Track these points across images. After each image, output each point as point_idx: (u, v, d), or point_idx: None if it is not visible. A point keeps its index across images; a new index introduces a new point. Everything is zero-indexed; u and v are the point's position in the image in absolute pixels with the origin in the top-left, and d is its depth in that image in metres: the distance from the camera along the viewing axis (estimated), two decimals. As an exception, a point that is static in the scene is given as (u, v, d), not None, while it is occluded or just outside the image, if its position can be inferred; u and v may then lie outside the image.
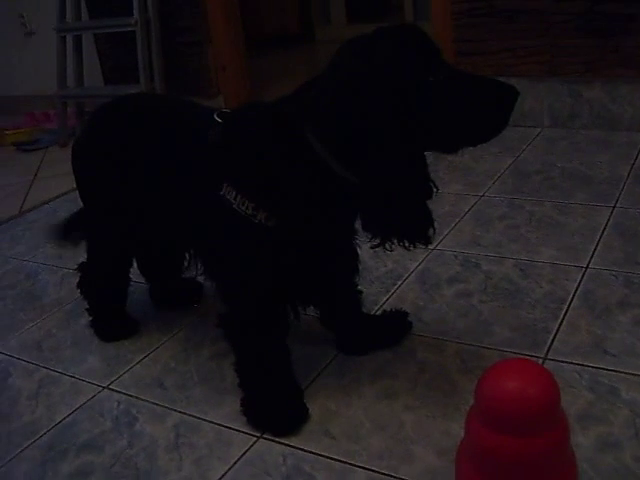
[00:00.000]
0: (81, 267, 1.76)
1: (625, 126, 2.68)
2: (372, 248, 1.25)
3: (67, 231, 1.81)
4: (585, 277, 1.74)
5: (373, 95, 1.14)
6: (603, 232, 1.95)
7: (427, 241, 1.25)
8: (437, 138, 1.21)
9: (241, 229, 1.27)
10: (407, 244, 1.24)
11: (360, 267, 1.51)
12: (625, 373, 1.40)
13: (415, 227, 1.23)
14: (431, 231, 1.24)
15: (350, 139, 1.17)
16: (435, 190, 1.25)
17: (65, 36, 3.58)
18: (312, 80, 1.24)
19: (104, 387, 1.58)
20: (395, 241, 1.24)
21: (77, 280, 1.78)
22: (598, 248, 1.87)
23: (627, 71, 2.60)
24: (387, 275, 1.87)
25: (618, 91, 2.65)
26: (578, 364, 1.44)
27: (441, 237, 2.03)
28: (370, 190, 1.19)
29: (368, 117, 1.14)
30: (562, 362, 1.45)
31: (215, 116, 1.34)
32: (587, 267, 1.78)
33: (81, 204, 1.69)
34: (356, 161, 1.18)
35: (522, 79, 2.77)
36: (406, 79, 1.14)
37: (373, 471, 1.25)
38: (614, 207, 2.08)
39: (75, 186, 1.67)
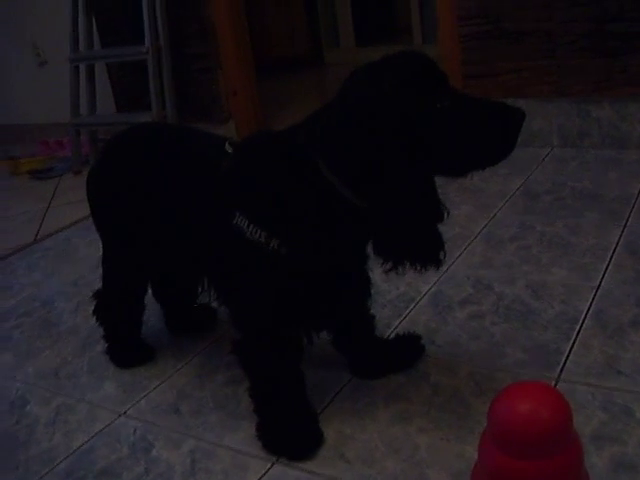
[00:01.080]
0: (97, 294, 1.78)
1: (635, 144, 2.69)
2: (385, 272, 1.27)
3: None
4: (597, 297, 1.75)
5: (381, 123, 1.16)
6: (614, 251, 1.95)
7: (438, 264, 1.26)
8: (445, 163, 1.23)
9: (254, 257, 1.28)
10: (419, 267, 1.25)
11: (373, 291, 1.53)
12: (639, 392, 1.40)
13: (426, 250, 1.24)
14: (442, 254, 1.26)
15: (359, 167, 1.19)
16: (447, 214, 1.26)
17: (78, 65, 3.63)
18: (321, 109, 1.26)
19: (120, 414, 1.59)
20: (407, 265, 1.25)
21: (93, 307, 1.79)
22: (609, 267, 1.87)
23: (635, 89, 2.61)
24: (399, 298, 1.88)
25: (627, 109, 2.66)
26: (591, 384, 1.44)
27: (453, 259, 2.04)
28: (381, 216, 1.20)
29: (376, 145, 1.16)
30: (575, 383, 1.45)
31: (226, 146, 1.36)
32: (599, 287, 1.79)
33: (96, 232, 1.71)
34: (366, 188, 1.20)
35: (530, 100, 2.79)
36: (413, 107, 1.16)
37: (388, 495, 1.26)
38: (625, 226, 2.09)
39: (90, 214, 1.70)
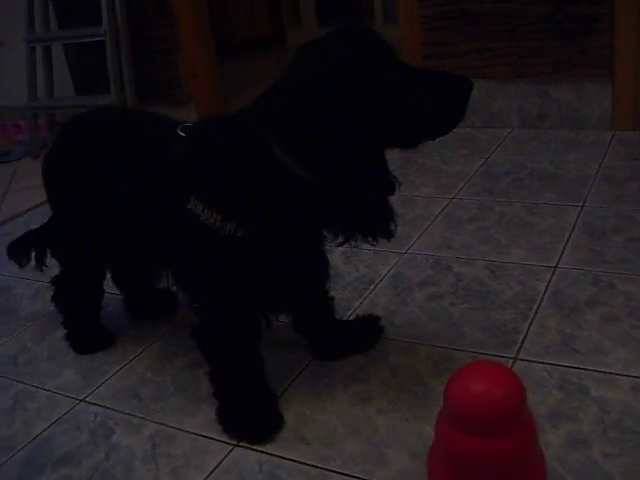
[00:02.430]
0: (55, 280, 1.76)
1: (593, 125, 2.71)
2: (337, 247, 1.28)
3: (22, 250, 1.80)
4: (554, 277, 1.77)
5: (328, 97, 1.16)
6: (572, 231, 1.98)
7: (389, 235, 1.26)
8: (396, 134, 1.23)
9: (210, 241, 1.28)
10: (370, 239, 1.26)
11: (332, 273, 1.53)
12: (594, 371, 1.42)
13: (377, 222, 1.25)
14: (393, 225, 1.26)
15: (310, 143, 1.19)
16: (397, 185, 1.26)
17: (35, 46, 3.56)
18: (270, 88, 1.25)
19: (80, 400, 1.58)
20: (359, 237, 1.25)
21: (51, 293, 1.77)
22: (567, 247, 1.90)
23: (594, 71, 2.63)
24: (359, 280, 1.88)
25: (585, 91, 2.68)
26: (548, 363, 1.46)
27: (412, 241, 2.05)
28: (331, 189, 1.21)
29: (326, 119, 1.17)
30: (532, 362, 1.47)
31: (179, 130, 1.35)
32: (556, 267, 1.81)
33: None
34: (317, 163, 1.20)
35: (491, 81, 2.80)
36: (361, 79, 1.16)
37: (348, 475, 1.26)
38: (582, 206, 2.11)
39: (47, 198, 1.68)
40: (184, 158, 1.33)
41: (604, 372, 1.42)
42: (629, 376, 1.40)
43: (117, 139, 1.50)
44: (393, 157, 1.29)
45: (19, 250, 1.79)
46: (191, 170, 1.31)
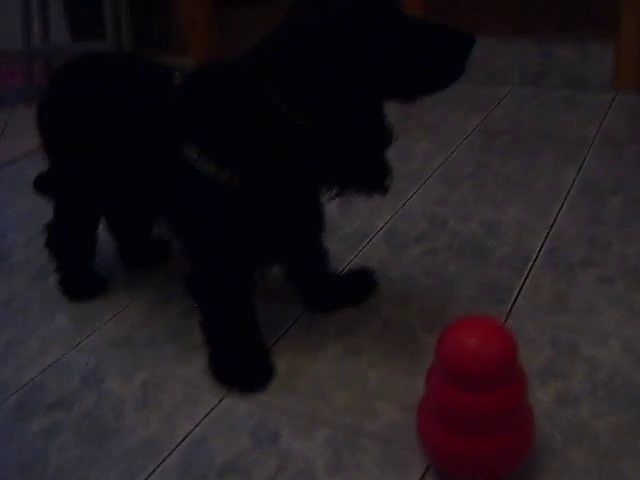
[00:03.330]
0: (49, 226, 1.75)
1: (595, 86, 2.69)
2: (331, 199, 1.27)
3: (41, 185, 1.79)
4: (550, 236, 1.76)
5: (328, 46, 1.14)
6: (569, 191, 1.97)
7: (384, 190, 1.25)
8: (395, 86, 1.21)
9: (205, 189, 1.27)
10: (365, 193, 1.25)
11: (326, 226, 1.52)
12: (585, 330, 1.43)
13: (372, 176, 1.23)
14: (388, 180, 1.25)
15: (306, 90, 1.17)
16: (395, 136, 1.24)
17: (30, -10, 3.50)
18: (268, 35, 1.23)
19: (72, 347, 1.58)
20: (353, 190, 1.24)
21: (45, 239, 1.76)
22: (564, 207, 1.89)
23: (598, 30, 2.60)
24: (354, 234, 1.88)
25: (589, 50, 2.66)
26: (540, 321, 1.47)
27: (409, 195, 2.04)
28: (328, 139, 1.19)
29: (323, 68, 1.14)
30: (525, 319, 1.48)
31: (175, 76, 1.33)
32: (552, 226, 1.81)
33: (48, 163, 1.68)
34: (314, 112, 1.18)
35: (492, 38, 2.77)
36: (361, 29, 1.14)
37: (337, 426, 1.27)
38: (581, 166, 2.10)
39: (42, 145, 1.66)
40: (180, 105, 1.31)
41: (596, 332, 1.42)
42: (620, 337, 1.40)
43: (112, 85, 1.48)
44: (392, 111, 1.27)
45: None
46: (187, 117, 1.29)
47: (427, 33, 1.18)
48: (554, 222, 1.82)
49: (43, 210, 1.76)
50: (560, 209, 1.88)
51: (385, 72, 1.17)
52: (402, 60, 1.17)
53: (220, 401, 1.36)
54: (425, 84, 1.22)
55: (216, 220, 1.30)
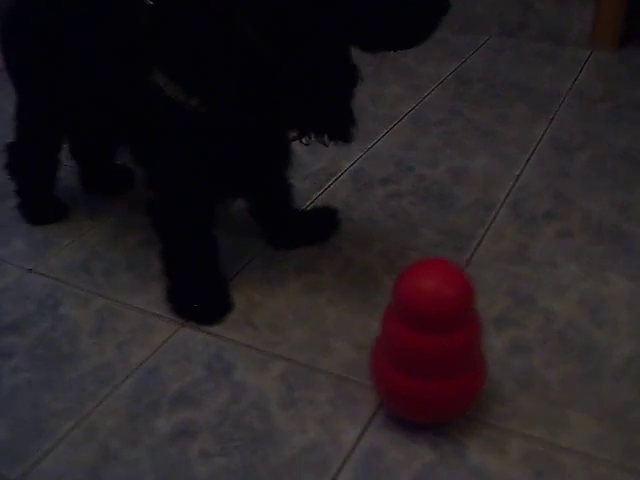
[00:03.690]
0: (9, 147, 1.71)
1: (572, 41, 2.67)
2: (290, 141, 1.25)
3: None
4: (515, 187, 1.77)
5: None
6: (537, 144, 1.97)
7: (347, 139, 1.24)
8: (359, 35, 1.18)
9: (172, 116, 1.24)
10: (327, 139, 1.23)
11: (294, 162, 1.51)
12: (543, 281, 1.44)
13: (336, 122, 1.22)
14: (353, 129, 1.23)
15: (276, 21, 1.14)
16: (360, 79, 1.22)
17: None
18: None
19: (29, 270, 1.56)
20: (315, 134, 1.23)
21: (5, 161, 1.72)
22: (531, 159, 1.89)
23: (579, -16, 2.58)
24: (321, 172, 1.87)
25: (568, 5, 2.63)
26: (500, 270, 1.48)
27: (378, 137, 2.03)
28: (294, 75, 1.17)
29: (293, 2, 1.12)
30: (484, 267, 1.49)
31: (146, -1, 1.29)
32: (518, 177, 1.81)
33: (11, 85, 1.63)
34: (282, 43, 1.16)
35: (474, -16, 2.73)
36: None
37: (292, 361, 1.28)
38: (552, 120, 2.10)
39: (4, 65, 1.61)
40: (150, 28, 1.27)
41: (553, 284, 1.44)
42: (577, 290, 1.42)
43: (80, 3, 1.43)
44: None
45: None
46: (156, 40, 1.26)
47: None
48: (520, 174, 1.82)
49: (4, 131, 1.71)
50: (527, 161, 1.88)
51: (353, 18, 1.14)
52: (372, 12, 1.14)
53: (176, 331, 1.36)
54: (390, 41, 1.19)
55: (182, 147, 1.28)
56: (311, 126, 1.22)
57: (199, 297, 1.40)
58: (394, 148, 1.98)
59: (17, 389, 1.25)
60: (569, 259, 1.51)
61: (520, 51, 2.64)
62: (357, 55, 1.22)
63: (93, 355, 1.32)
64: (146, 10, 1.29)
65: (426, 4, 1.16)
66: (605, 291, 1.41)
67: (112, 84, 1.38)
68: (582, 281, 1.44)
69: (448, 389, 1.06)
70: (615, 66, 2.49)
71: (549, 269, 1.48)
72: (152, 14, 1.28)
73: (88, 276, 1.53)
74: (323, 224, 1.61)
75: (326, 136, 1.24)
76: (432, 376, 1.05)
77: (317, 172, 1.87)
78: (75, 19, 1.43)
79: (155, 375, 1.27)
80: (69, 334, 1.37)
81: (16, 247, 1.64)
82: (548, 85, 2.34)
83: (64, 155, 1.71)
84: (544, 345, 1.28)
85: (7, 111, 2.12)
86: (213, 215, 1.38)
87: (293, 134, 1.25)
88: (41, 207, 1.75)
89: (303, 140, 1.26)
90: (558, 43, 2.69)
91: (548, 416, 1.15)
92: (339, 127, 1.23)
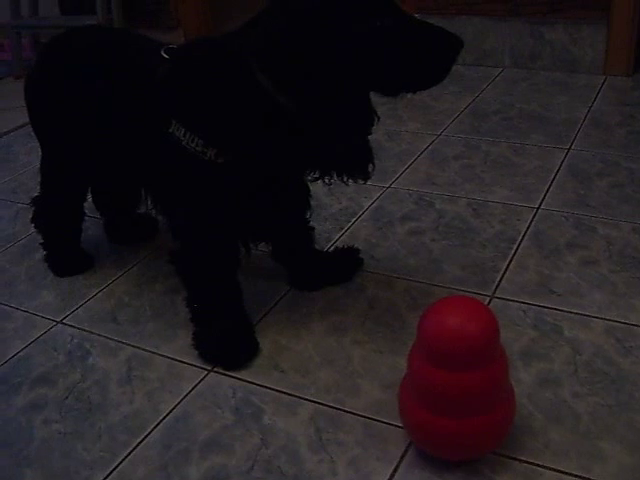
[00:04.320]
0: (35, 201, 1.74)
1: (585, 68, 2.69)
2: (311, 182, 1.28)
3: None
4: (536, 218, 1.77)
5: (317, 29, 1.14)
6: (557, 174, 1.97)
7: (366, 176, 1.26)
8: (378, 81, 1.21)
9: (191, 166, 1.26)
10: (346, 179, 1.25)
11: (313, 204, 1.52)
12: (569, 312, 1.44)
13: (354, 162, 1.24)
14: (370, 167, 1.26)
15: (293, 71, 1.17)
16: (377, 119, 1.25)
17: (19, -37, 3.46)
18: (259, 14, 1.22)
19: (58, 322, 1.58)
20: (334, 175, 1.25)
21: (31, 215, 1.76)
22: (551, 189, 1.89)
23: (589, 13, 2.59)
24: (341, 212, 1.88)
25: (580, 33, 2.65)
26: (524, 302, 1.47)
27: (396, 175, 2.04)
28: (311, 123, 1.19)
29: (310, 50, 1.14)
30: (509, 300, 1.48)
31: (162, 52, 1.32)
32: (539, 208, 1.81)
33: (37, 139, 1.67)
34: (298, 93, 1.18)
35: (485, 18, 2.76)
36: (352, 17, 1.13)
37: (320, 404, 1.28)
38: (569, 149, 2.10)
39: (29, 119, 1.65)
40: (167, 80, 1.30)
41: (579, 314, 1.43)
42: (603, 319, 1.41)
43: (100, 59, 1.47)
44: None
45: None
46: (174, 93, 1.29)
47: (416, 32, 1.18)
48: (541, 204, 1.83)
49: (30, 185, 1.75)
50: (547, 191, 1.88)
51: (371, 66, 1.17)
52: (390, 58, 1.17)
53: (204, 377, 1.37)
54: (408, 84, 1.23)
55: (202, 196, 1.30)
56: (331, 168, 1.24)
57: (225, 343, 1.41)
58: (413, 185, 1.99)
59: (48, 440, 1.27)
60: (593, 288, 1.50)
61: (534, 81, 2.66)
62: (373, 94, 1.25)
63: (123, 404, 1.33)
64: (163, 63, 1.32)
65: (441, 45, 1.18)
66: (631, 318, 1.41)
67: (131, 136, 1.41)
68: (607, 310, 1.43)
69: (477, 426, 1.06)
70: (630, 91, 2.50)
71: (574, 299, 1.47)
72: (169, 67, 1.31)
73: (116, 325, 1.54)
74: (346, 264, 1.62)
75: (346, 176, 1.25)
76: (461, 413, 1.05)
77: (337, 212, 1.88)
78: (94, 74, 1.46)
79: (185, 422, 1.27)
80: (99, 384, 1.38)
81: (44, 299, 1.66)
82: (564, 114, 2.35)
83: (87, 206, 1.74)
84: (572, 376, 1.28)
85: (33, 165, 2.16)
86: (236, 261, 1.39)
87: (314, 176, 1.27)
88: (67, 259, 1.77)
89: (325, 181, 1.28)
90: (572, 71, 2.71)
91: (580, 449, 1.14)
92: (358, 166, 1.24)
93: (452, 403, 1.05)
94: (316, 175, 1.26)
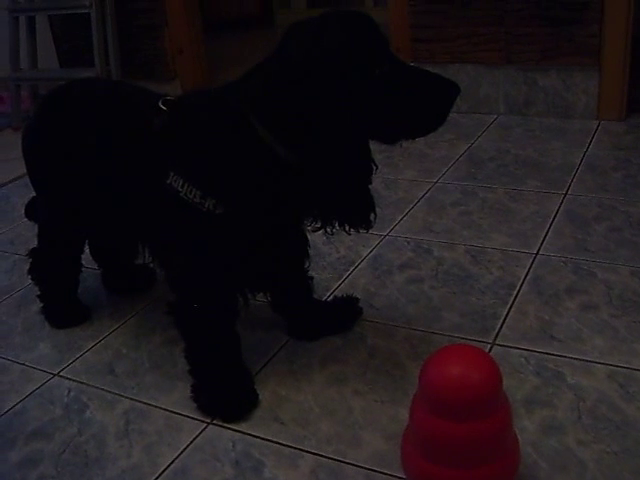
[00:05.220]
0: (32, 253, 1.74)
1: (579, 114, 2.71)
2: (313, 232, 1.28)
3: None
4: (535, 263, 1.77)
5: (316, 82, 1.15)
6: (554, 219, 1.98)
7: (368, 225, 1.27)
8: (377, 129, 1.22)
9: (189, 217, 1.27)
10: (348, 228, 1.25)
11: (311, 253, 1.52)
12: (571, 358, 1.43)
13: (356, 211, 1.24)
14: (372, 216, 1.26)
15: (292, 123, 1.18)
16: (375, 168, 1.26)
17: (18, 16, 3.50)
18: (257, 66, 1.24)
19: (55, 374, 1.56)
20: (336, 225, 1.25)
21: (28, 266, 1.75)
22: (548, 235, 1.90)
23: (581, 59, 2.63)
24: (339, 261, 1.88)
25: (573, 79, 2.68)
26: (525, 349, 1.46)
27: (394, 223, 2.05)
28: (312, 174, 1.20)
29: (309, 103, 1.15)
30: (510, 347, 1.47)
31: (160, 104, 1.33)
32: (537, 253, 1.81)
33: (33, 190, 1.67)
34: (297, 145, 1.19)
35: (478, 66, 2.79)
36: (353, 69, 1.15)
37: (321, 456, 1.26)
38: (565, 194, 2.11)
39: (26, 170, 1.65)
40: (165, 132, 1.31)
41: (581, 360, 1.42)
42: (605, 364, 1.40)
43: (98, 111, 1.48)
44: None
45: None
46: (171, 144, 1.29)
47: (414, 80, 1.20)
48: (539, 250, 1.83)
49: (27, 236, 1.75)
50: (545, 236, 1.89)
51: (369, 115, 1.18)
52: (388, 106, 1.19)
53: (203, 430, 1.35)
54: (407, 131, 1.24)
55: (200, 247, 1.30)
56: (333, 217, 1.24)
57: (224, 394, 1.39)
58: (411, 232, 1.99)
59: (45, 498, 1.24)
60: (594, 333, 1.49)
61: (529, 127, 2.68)
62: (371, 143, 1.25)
63: (121, 458, 1.31)
64: (160, 114, 1.33)
65: (439, 91, 1.20)
66: (634, 363, 1.39)
67: (129, 187, 1.41)
68: (609, 355, 1.42)
69: (482, 476, 1.04)
70: (624, 135, 2.52)
71: (575, 345, 1.46)
72: (166, 118, 1.32)
73: (113, 378, 1.53)
74: (345, 314, 1.61)
75: (347, 226, 1.26)
76: (465, 464, 1.04)
77: (335, 261, 1.88)
78: (92, 125, 1.47)
79: (184, 476, 1.25)
80: (96, 438, 1.36)
81: (41, 351, 1.65)
82: (559, 159, 2.37)
83: (85, 257, 1.74)
84: (576, 423, 1.26)
85: (29, 217, 2.14)
86: (234, 311, 1.38)
87: (316, 225, 1.27)
88: (64, 311, 1.76)
89: (327, 230, 1.28)
90: (566, 117, 2.73)
91: (586, 499, 1.12)
92: (360, 215, 1.24)
93: (456, 454, 1.03)
94: (317, 225, 1.26)
